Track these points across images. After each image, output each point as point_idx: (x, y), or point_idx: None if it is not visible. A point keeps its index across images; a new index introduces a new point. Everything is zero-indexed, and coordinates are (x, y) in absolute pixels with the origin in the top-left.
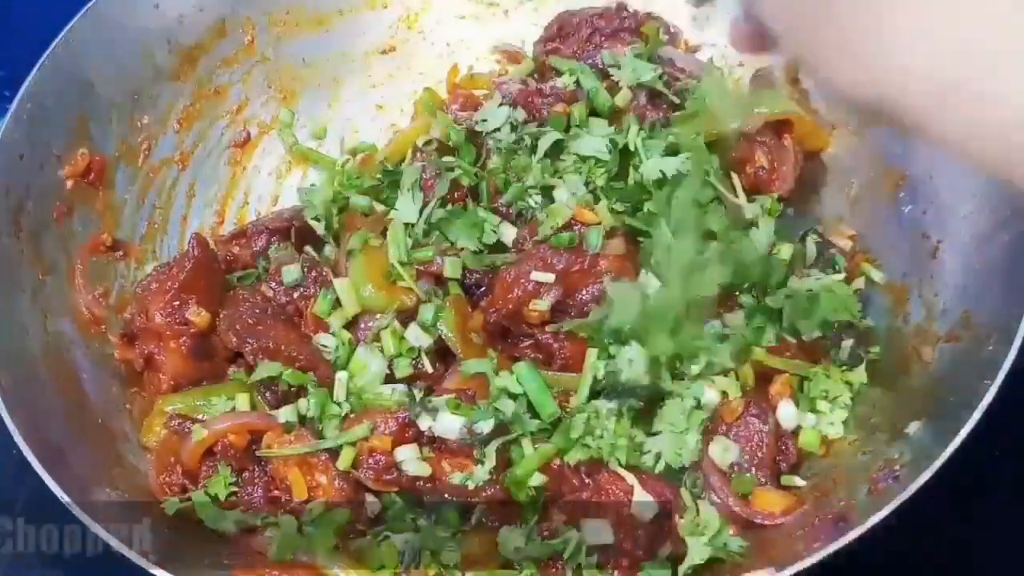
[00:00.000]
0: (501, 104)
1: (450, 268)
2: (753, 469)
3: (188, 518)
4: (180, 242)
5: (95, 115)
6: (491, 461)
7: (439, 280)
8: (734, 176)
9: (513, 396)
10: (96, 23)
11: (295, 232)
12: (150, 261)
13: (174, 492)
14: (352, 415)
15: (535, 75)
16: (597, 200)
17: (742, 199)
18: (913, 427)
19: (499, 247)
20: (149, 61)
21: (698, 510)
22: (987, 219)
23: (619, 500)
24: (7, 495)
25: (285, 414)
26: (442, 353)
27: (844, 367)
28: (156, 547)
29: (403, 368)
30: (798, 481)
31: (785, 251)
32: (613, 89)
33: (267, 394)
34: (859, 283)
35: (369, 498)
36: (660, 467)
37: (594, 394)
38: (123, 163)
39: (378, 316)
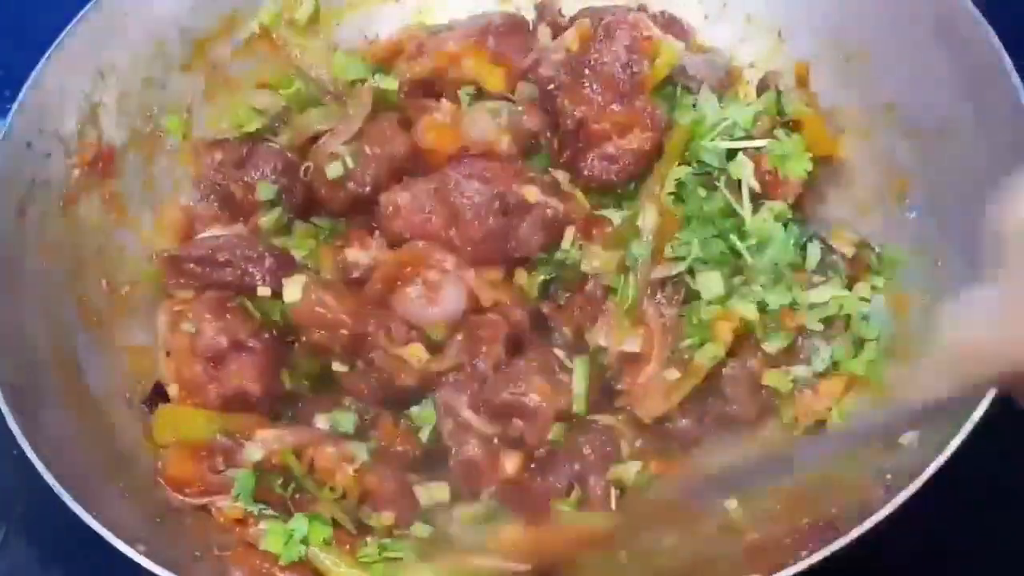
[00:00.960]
0: None
1: None
2: None
3: (188, 515)
4: None
5: (105, 104)
6: None
7: None
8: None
9: None
10: (108, 11)
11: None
12: None
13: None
14: None
15: None
16: None
17: (747, 209)
18: (907, 438)
19: None
20: (160, 50)
21: None
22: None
23: None
24: (7, 494)
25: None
26: None
27: None
28: (157, 544)
29: None
30: None
31: None
32: None
33: None
34: (862, 290)
35: None
36: None
37: None
38: (132, 152)
39: None
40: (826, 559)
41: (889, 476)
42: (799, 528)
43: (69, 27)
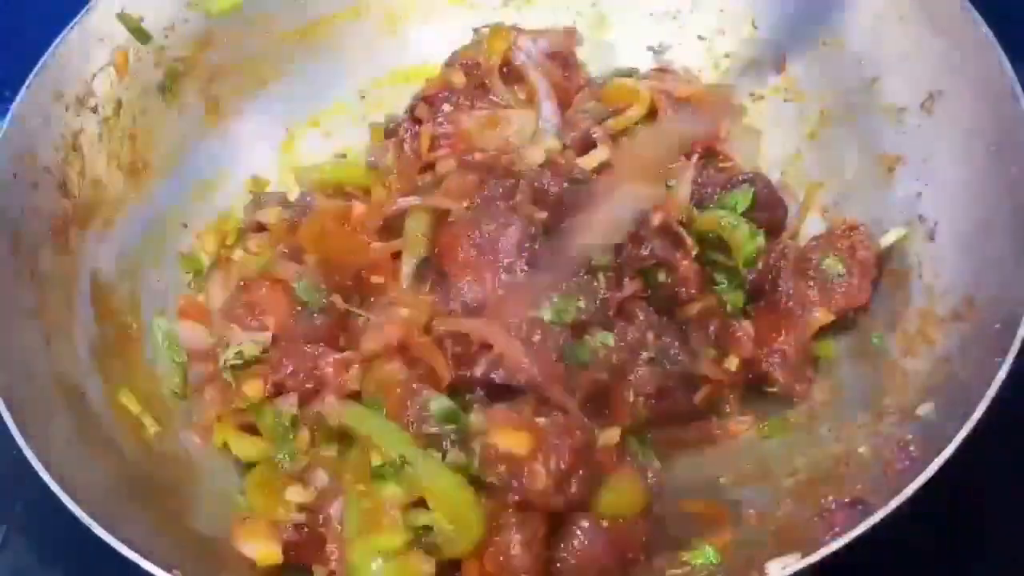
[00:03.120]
0: None
1: None
2: None
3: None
4: None
5: (86, 131)
6: None
7: None
8: None
9: None
10: (84, 38)
11: None
12: None
13: None
14: None
15: None
16: None
17: None
18: (924, 408)
19: None
20: (137, 75)
21: None
22: (984, 196)
23: None
24: (7, 494)
25: None
26: None
27: None
28: (156, 546)
29: None
30: None
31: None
32: None
33: None
34: None
35: None
36: None
37: None
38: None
39: None
40: (822, 559)
41: (912, 448)
42: (825, 506)
43: (45, 56)
